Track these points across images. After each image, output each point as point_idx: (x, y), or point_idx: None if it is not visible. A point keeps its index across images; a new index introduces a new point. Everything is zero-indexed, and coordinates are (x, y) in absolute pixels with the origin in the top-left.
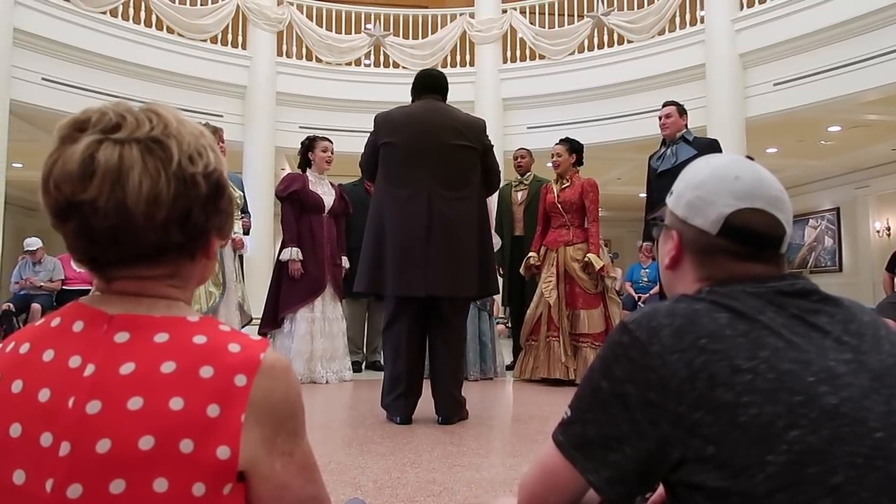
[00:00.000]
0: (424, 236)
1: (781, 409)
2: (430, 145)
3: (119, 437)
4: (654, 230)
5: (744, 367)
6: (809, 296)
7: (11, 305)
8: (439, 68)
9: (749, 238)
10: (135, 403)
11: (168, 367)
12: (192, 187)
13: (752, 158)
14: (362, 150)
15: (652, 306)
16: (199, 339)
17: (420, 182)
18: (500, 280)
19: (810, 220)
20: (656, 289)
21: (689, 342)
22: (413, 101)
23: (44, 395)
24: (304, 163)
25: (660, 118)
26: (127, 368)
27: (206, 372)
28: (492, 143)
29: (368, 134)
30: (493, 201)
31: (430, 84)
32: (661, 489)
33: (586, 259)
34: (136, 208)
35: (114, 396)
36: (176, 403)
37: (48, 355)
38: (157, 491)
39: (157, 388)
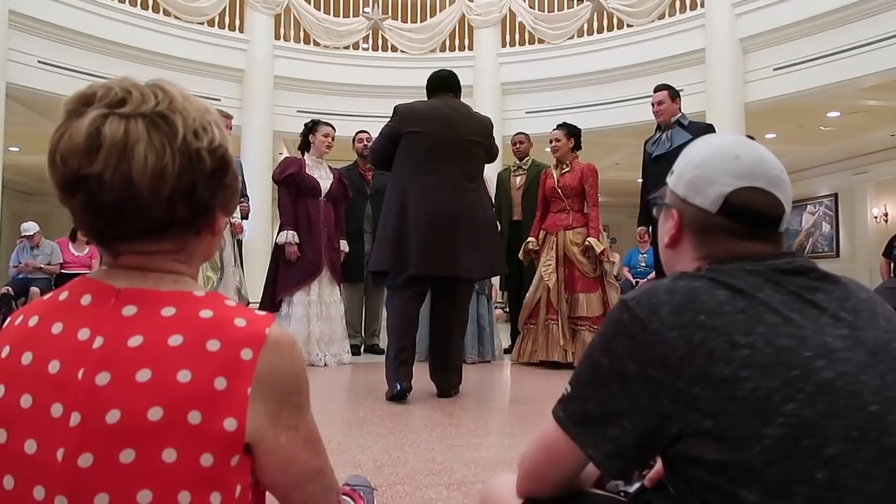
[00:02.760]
0: (451, 220)
1: (778, 383)
2: (454, 139)
3: (128, 408)
4: (654, 209)
5: (742, 343)
6: (807, 273)
7: (10, 289)
8: (438, 52)
9: (749, 217)
10: (143, 375)
11: (175, 340)
12: (197, 162)
13: (752, 138)
14: (376, 138)
15: (651, 284)
16: (206, 314)
17: (446, 171)
18: None
19: (808, 205)
20: (653, 274)
21: (688, 319)
22: (429, 97)
23: (53, 366)
24: (304, 145)
25: (652, 104)
26: (135, 341)
27: (213, 345)
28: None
29: (366, 118)
30: (491, 186)
31: (444, 84)
32: (658, 465)
33: (586, 243)
34: (142, 182)
35: (122, 368)
36: (184, 376)
37: (57, 328)
38: (167, 461)
39: (165, 361)
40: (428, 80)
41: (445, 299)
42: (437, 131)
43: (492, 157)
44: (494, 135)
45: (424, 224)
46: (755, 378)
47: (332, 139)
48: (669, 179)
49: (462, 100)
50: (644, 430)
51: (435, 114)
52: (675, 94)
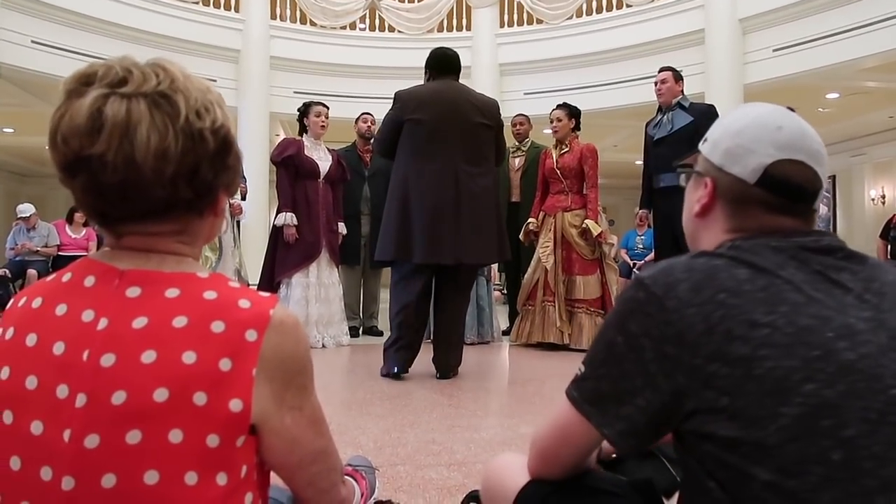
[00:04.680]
0: (453, 207)
1: (798, 362)
2: (455, 123)
3: (134, 389)
4: (682, 177)
5: (762, 322)
6: (834, 252)
7: (7, 271)
8: (435, 32)
9: (786, 190)
10: (148, 356)
11: (180, 321)
12: (200, 142)
13: (793, 110)
14: (381, 125)
15: (667, 262)
16: (210, 295)
17: (447, 157)
18: None
19: None
20: (651, 255)
21: (706, 296)
22: (428, 78)
23: (58, 348)
24: (302, 129)
25: (655, 83)
26: (139, 322)
27: (218, 327)
28: (502, 120)
29: (363, 99)
30: None
31: (447, 65)
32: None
33: (584, 225)
34: (145, 163)
35: (127, 349)
36: (189, 357)
37: (61, 309)
38: (173, 441)
39: (170, 342)
40: (432, 59)
41: (448, 284)
42: (439, 117)
43: (500, 141)
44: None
45: (427, 212)
46: (774, 357)
47: (326, 117)
48: (703, 147)
49: (459, 81)
50: (658, 407)
51: (437, 99)
52: (678, 76)
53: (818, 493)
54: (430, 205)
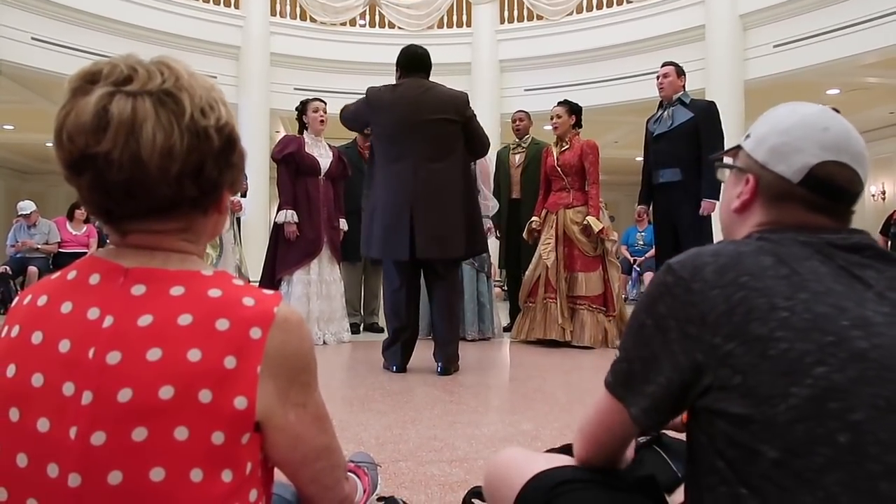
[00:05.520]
0: (409, 204)
1: (812, 346)
2: (415, 121)
3: (140, 386)
4: (719, 171)
5: (781, 306)
6: (862, 251)
7: (8, 268)
8: (435, 29)
9: (829, 191)
10: (154, 354)
11: (185, 319)
12: (205, 140)
13: (837, 111)
14: (354, 102)
15: (696, 248)
16: (214, 293)
17: (406, 155)
18: (497, 243)
19: None
20: (652, 252)
21: (730, 279)
22: (399, 76)
23: (64, 345)
24: (302, 127)
25: (657, 78)
26: (145, 320)
27: (222, 325)
28: (474, 112)
29: (363, 95)
30: (490, 164)
31: (415, 64)
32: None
33: (585, 222)
34: (151, 161)
35: (133, 347)
36: (194, 355)
37: (66, 307)
38: (178, 439)
39: (175, 340)
40: (402, 57)
41: (429, 278)
42: (400, 118)
43: (473, 132)
44: (492, 112)
45: (386, 210)
46: (789, 339)
47: (324, 112)
48: (746, 143)
49: (460, 77)
50: (679, 384)
51: (398, 101)
52: (681, 71)
53: (823, 473)
54: (388, 202)
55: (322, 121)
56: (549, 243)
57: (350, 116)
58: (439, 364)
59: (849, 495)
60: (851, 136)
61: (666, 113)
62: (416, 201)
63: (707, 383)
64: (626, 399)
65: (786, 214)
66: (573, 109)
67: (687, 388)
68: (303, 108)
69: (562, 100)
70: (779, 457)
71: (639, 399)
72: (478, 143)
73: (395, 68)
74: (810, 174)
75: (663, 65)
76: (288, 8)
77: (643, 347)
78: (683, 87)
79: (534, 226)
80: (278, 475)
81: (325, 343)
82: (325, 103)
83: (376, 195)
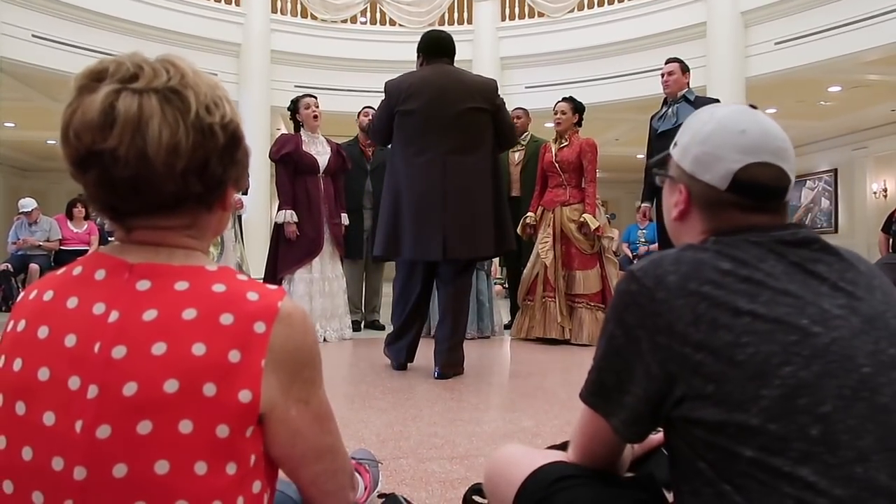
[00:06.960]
0: (440, 201)
1: (776, 347)
2: (445, 111)
3: (145, 380)
4: (657, 179)
5: (744, 310)
6: (810, 245)
7: (9, 266)
8: (436, 26)
9: (757, 192)
10: (159, 349)
11: (189, 314)
12: (210, 137)
13: (755, 107)
14: (375, 116)
15: (658, 254)
16: (219, 288)
17: (435, 148)
18: None
19: (808, 181)
20: (654, 248)
21: (693, 288)
22: (421, 63)
23: (70, 340)
24: (297, 125)
25: (662, 75)
26: (149, 315)
27: (227, 319)
28: (503, 101)
29: (363, 93)
30: None
31: (440, 48)
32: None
33: (582, 219)
34: (157, 158)
35: (138, 342)
36: (198, 349)
37: (72, 302)
38: (183, 432)
39: (180, 334)
40: (423, 42)
41: (442, 278)
42: (427, 106)
43: (502, 122)
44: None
45: (415, 208)
46: (755, 343)
47: (316, 107)
48: (674, 151)
49: (454, 64)
50: (655, 394)
51: (426, 87)
52: (685, 68)
53: (799, 466)
54: (416, 199)
55: (315, 116)
56: (547, 242)
57: (378, 127)
58: (437, 368)
59: (826, 482)
60: (769, 134)
61: (670, 110)
62: (445, 199)
63: (680, 393)
64: (604, 410)
65: (724, 220)
66: (577, 107)
67: (663, 396)
68: (294, 106)
69: (566, 96)
70: (756, 455)
71: (617, 410)
72: (508, 132)
73: (397, 66)
74: (735, 180)
75: (668, 61)
76: (289, 5)
77: (614, 357)
78: (688, 83)
79: (528, 221)
80: (283, 474)
81: (325, 340)
82: (316, 98)
83: (397, 191)
